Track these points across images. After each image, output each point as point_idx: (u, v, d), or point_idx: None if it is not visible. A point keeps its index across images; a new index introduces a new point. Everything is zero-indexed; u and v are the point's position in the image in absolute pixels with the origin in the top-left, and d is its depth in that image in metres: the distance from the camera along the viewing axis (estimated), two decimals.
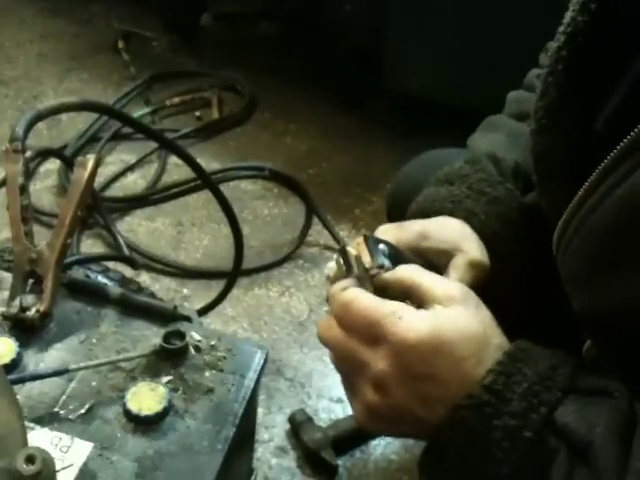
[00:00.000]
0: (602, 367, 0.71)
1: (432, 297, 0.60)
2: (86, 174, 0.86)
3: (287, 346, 1.59)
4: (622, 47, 0.61)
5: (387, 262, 0.65)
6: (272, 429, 1.43)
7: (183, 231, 1.90)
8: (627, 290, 0.57)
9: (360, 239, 0.65)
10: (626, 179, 0.55)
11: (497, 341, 0.58)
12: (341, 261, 0.65)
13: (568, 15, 0.64)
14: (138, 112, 2.22)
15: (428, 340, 0.56)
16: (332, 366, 1.65)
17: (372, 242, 0.65)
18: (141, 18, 2.76)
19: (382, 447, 1.42)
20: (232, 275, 1.51)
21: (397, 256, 0.68)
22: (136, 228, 1.87)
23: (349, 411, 1.47)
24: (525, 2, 1.82)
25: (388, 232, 0.75)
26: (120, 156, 2.10)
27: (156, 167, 2.07)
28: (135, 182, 2.03)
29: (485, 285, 0.77)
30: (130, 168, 2.06)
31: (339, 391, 1.52)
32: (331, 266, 0.68)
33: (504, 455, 0.54)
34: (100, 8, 2.85)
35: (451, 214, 0.80)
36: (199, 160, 1.99)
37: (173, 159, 2.12)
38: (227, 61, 2.56)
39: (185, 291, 1.72)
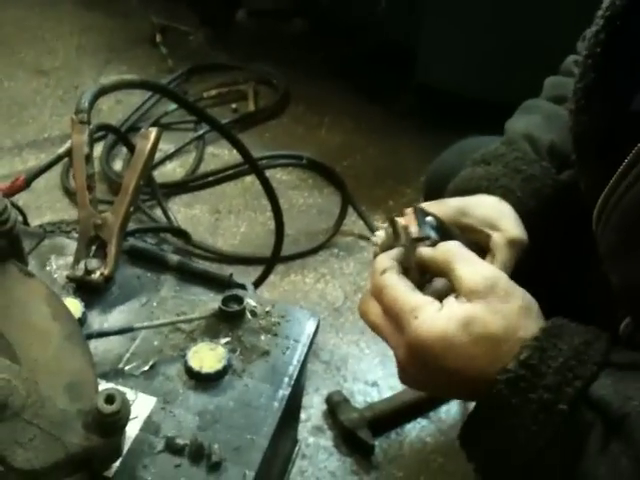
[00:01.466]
0: (639, 343, 0.73)
1: (459, 289, 0.61)
2: (149, 145, 0.90)
3: (323, 330, 1.61)
4: None
5: (433, 234, 0.67)
6: (309, 409, 1.45)
7: (220, 218, 1.93)
8: None
9: (410, 209, 0.68)
10: None
11: (522, 334, 0.59)
12: (390, 230, 0.68)
13: (607, 0, 0.67)
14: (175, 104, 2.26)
15: (438, 342, 0.58)
16: (367, 351, 1.68)
17: (421, 213, 0.68)
18: (177, 12, 2.81)
19: (417, 429, 1.44)
20: (271, 260, 1.54)
21: (444, 230, 0.70)
22: (175, 214, 1.90)
23: (385, 394, 1.49)
24: (555, 4, 1.84)
25: (429, 208, 0.77)
26: (159, 145, 2.13)
27: (194, 156, 2.12)
28: (174, 170, 2.07)
29: (522, 260, 0.80)
30: (169, 157, 2.10)
31: (374, 375, 1.55)
32: (379, 234, 0.70)
33: (539, 428, 0.56)
34: (137, 2, 2.91)
35: (487, 192, 0.83)
36: (236, 151, 2.02)
37: (210, 149, 2.16)
38: (261, 56, 2.59)
39: None
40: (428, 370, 0.60)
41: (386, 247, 0.68)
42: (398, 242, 0.66)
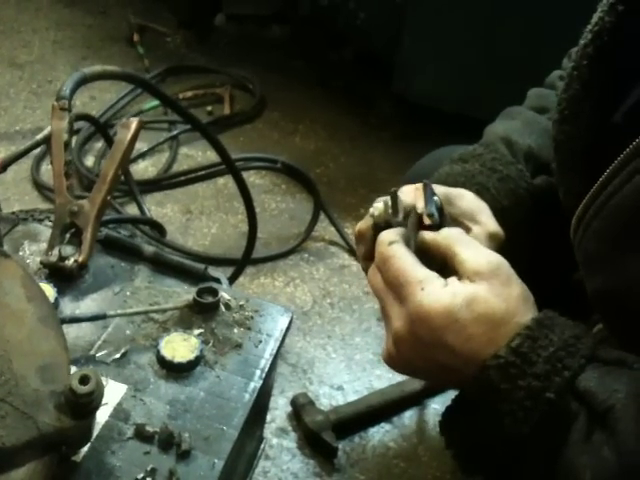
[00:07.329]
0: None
1: (462, 270, 0.63)
2: (129, 134, 0.90)
3: (290, 333, 1.59)
4: None
5: (436, 214, 0.68)
6: (274, 411, 1.46)
7: (192, 218, 1.93)
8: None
9: (420, 185, 0.69)
10: None
11: (519, 319, 0.61)
12: (389, 203, 0.68)
13: (596, 15, 0.70)
14: (151, 103, 2.26)
15: (441, 316, 0.60)
16: (334, 355, 1.69)
17: (429, 191, 0.68)
18: (155, 13, 2.80)
19: (381, 434, 1.45)
20: (243, 261, 1.55)
21: (442, 213, 0.71)
22: (146, 213, 1.89)
23: (349, 398, 1.50)
24: (535, 23, 1.88)
25: (411, 192, 0.76)
26: None
27: (167, 156, 2.11)
28: (146, 169, 2.07)
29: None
30: (141, 155, 2.09)
31: (340, 379, 1.56)
32: (377, 206, 0.70)
33: (526, 414, 0.57)
34: (115, 1, 2.90)
35: (464, 188, 0.84)
36: (209, 152, 2.02)
37: (184, 150, 2.16)
38: (238, 61, 2.60)
39: None
40: (422, 345, 0.61)
41: (382, 220, 0.68)
42: (395, 218, 0.67)
